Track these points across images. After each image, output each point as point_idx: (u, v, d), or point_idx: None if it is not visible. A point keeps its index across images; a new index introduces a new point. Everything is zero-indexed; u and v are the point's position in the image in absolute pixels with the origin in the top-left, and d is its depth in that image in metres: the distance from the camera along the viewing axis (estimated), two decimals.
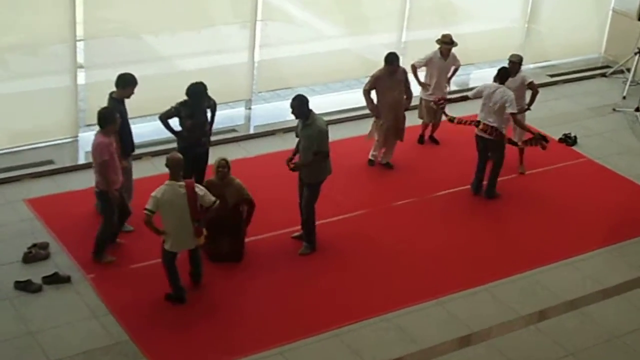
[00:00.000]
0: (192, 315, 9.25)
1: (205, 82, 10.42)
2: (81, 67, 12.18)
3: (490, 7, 15.83)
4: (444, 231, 11.13)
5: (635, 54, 15.84)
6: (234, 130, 13.03)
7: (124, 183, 9.98)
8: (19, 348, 8.63)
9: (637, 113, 14.63)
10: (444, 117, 12.38)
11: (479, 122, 11.58)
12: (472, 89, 12.47)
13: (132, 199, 10.30)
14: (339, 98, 14.38)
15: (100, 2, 12.06)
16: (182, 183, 9.04)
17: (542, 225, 11.45)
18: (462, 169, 12.26)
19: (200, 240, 9.26)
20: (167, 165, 9.12)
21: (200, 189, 9.16)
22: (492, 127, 11.42)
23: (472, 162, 11.90)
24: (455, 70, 12.98)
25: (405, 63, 12.48)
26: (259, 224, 10.29)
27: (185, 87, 10.38)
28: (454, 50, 12.76)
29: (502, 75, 11.56)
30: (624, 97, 15.38)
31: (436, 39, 12.73)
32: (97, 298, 9.37)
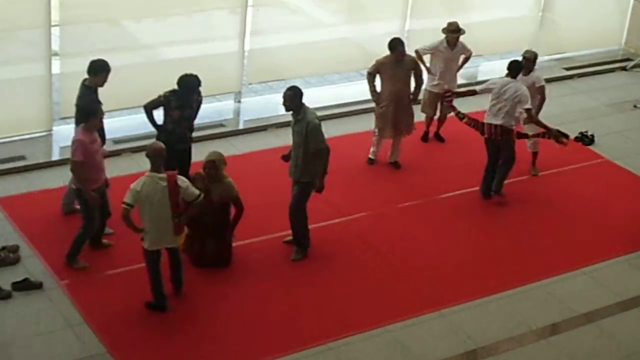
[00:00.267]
0: (174, 325, 9.25)
1: (189, 73, 10.41)
2: (56, 55, 12.19)
3: None
4: (449, 236, 11.15)
5: None
6: (222, 125, 13.04)
7: None
8: None
9: None
10: (451, 112, 12.37)
11: (484, 128, 11.60)
12: (480, 82, 12.50)
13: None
14: (336, 91, 14.42)
15: None
16: (164, 175, 9.04)
17: (555, 231, 11.47)
18: (470, 169, 12.28)
19: (181, 239, 9.26)
20: (147, 155, 9.13)
21: (182, 181, 9.17)
22: (497, 126, 11.43)
23: (480, 162, 11.91)
24: (466, 60, 13.00)
25: (408, 53, 12.47)
26: (249, 227, 10.31)
27: (168, 77, 10.40)
28: (462, 39, 12.77)
29: (515, 68, 11.58)
30: None
31: (442, 28, 12.75)
32: (72, 306, 9.37)
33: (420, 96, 12.69)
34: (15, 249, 10.01)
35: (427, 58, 12.84)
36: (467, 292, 10.16)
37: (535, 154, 12.52)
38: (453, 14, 13.96)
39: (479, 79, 14.79)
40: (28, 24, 11.75)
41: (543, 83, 12.19)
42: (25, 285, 9.52)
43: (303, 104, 10.02)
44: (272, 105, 13.27)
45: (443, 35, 12.75)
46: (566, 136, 11.84)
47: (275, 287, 9.95)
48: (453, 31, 12.69)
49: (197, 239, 9.81)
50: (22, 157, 11.75)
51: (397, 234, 11.07)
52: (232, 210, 9.97)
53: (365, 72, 12.42)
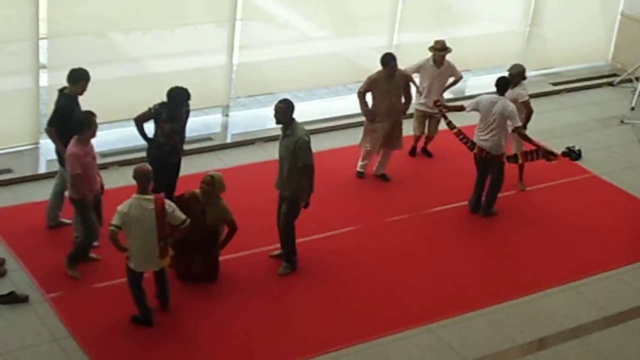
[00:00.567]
0: (160, 340, 9.23)
1: (179, 86, 10.41)
2: (44, 67, 12.17)
3: (488, 9, 15.93)
4: (437, 251, 11.17)
5: None
6: (209, 139, 13.03)
7: None
8: None
9: None
10: (443, 122, 12.33)
11: (473, 144, 11.64)
12: (468, 97, 12.50)
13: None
14: (325, 105, 14.43)
15: None
16: (151, 197, 9.00)
17: (542, 246, 11.50)
18: (459, 183, 12.32)
19: (166, 262, 9.24)
20: (134, 177, 9.08)
21: (169, 205, 9.12)
22: (487, 152, 11.47)
23: (469, 176, 11.95)
24: (455, 82, 13.02)
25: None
26: (235, 242, 10.27)
27: (157, 91, 10.38)
28: (451, 59, 12.80)
29: (502, 85, 11.60)
30: (633, 108, 15.50)
31: (429, 45, 12.75)
32: (58, 320, 9.34)
33: (411, 111, 12.75)
34: (1, 262, 9.98)
35: (415, 77, 12.88)
36: (455, 306, 10.17)
37: (521, 167, 12.51)
38: (441, 28, 14.02)
39: (467, 93, 14.83)
40: (16, 37, 11.74)
41: (527, 98, 12.17)
42: (11, 299, 9.48)
43: (294, 119, 10.02)
44: (260, 119, 13.29)
45: (430, 53, 12.78)
46: (555, 155, 11.88)
47: (262, 302, 9.94)
48: (440, 49, 12.70)
49: (184, 255, 9.79)
50: (8, 170, 11.73)
51: (385, 249, 11.07)
52: (224, 229, 9.97)
53: (353, 87, 12.41)
